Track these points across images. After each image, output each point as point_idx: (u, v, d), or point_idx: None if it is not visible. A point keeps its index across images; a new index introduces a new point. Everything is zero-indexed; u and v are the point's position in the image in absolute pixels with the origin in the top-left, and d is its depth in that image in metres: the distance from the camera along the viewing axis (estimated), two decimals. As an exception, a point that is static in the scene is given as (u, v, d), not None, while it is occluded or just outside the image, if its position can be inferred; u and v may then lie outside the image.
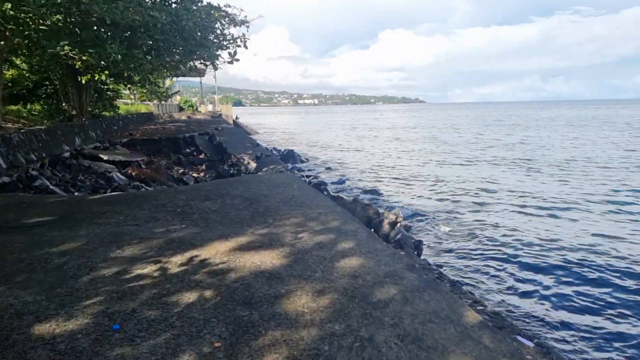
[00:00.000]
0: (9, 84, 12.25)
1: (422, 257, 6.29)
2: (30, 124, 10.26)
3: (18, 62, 12.00)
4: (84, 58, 7.35)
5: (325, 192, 8.68)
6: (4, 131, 7.69)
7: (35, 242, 3.22)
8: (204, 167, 12.03)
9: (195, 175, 10.87)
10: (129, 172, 9.57)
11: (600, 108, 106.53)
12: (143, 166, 10.35)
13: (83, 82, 13.34)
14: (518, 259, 6.20)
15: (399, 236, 6.17)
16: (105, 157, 9.83)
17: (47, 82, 13.64)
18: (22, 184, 6.46)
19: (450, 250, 6.86)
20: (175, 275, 2.63)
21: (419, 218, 8.88)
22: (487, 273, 5.80)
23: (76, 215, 3.98)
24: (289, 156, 17.55)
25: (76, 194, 6.88)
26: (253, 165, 10.84)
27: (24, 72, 12.59)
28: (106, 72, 12.77)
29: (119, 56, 7.07)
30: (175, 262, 2.85)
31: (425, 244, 6.93)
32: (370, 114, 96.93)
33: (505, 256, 6.37)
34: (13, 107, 11.91)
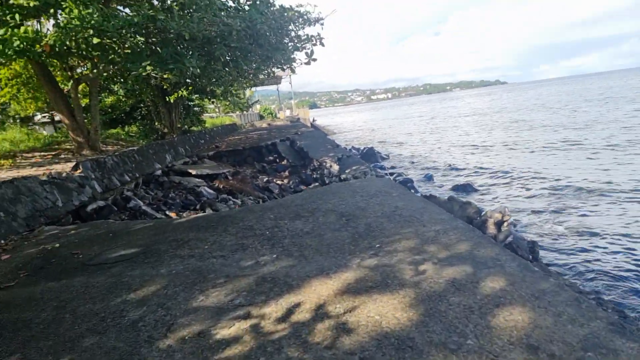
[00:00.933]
0: (109, 110, 13.41)
1: (538, 261, 5.10)
2: (128, 144, 10.95)
3: (116, 88, 13.06)
4: (165, 76, 7.40)
5: (412, 190, 7.69)
6: (105, 154, 8.11)
7: (114, 285, 2.82)
8: (287, 173, 11.73)
9: (279, 182, 10.57)
10: (217, 185, 9.58)
11: None
12: (230, 177, 10.34)
13: (171, 101, 14.10)
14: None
15: (510, 239, 5.09)
16: (193, 172, 9.99)
17: (141, 105, 14.71)
18: (117, 207, 6.58)
19: (574, 258, 5.46)
20: (270, 339, 1.92)
21: (523, 216, 7.45)
22: (633, 287, 4.37)
23: (160, 247, 3.60)
24: (370, 154, 16.67)
25: (167, 212, 6.86)
26: (336, 167, 10.17)
27: (121, 97, 13.68)
28: (190, 88, 13.27)
29: (198, 70, 6.96)
30: (269, 316, 2.15)
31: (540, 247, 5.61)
32: (447, 102, 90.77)
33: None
34: (113, 131, 12.96)
